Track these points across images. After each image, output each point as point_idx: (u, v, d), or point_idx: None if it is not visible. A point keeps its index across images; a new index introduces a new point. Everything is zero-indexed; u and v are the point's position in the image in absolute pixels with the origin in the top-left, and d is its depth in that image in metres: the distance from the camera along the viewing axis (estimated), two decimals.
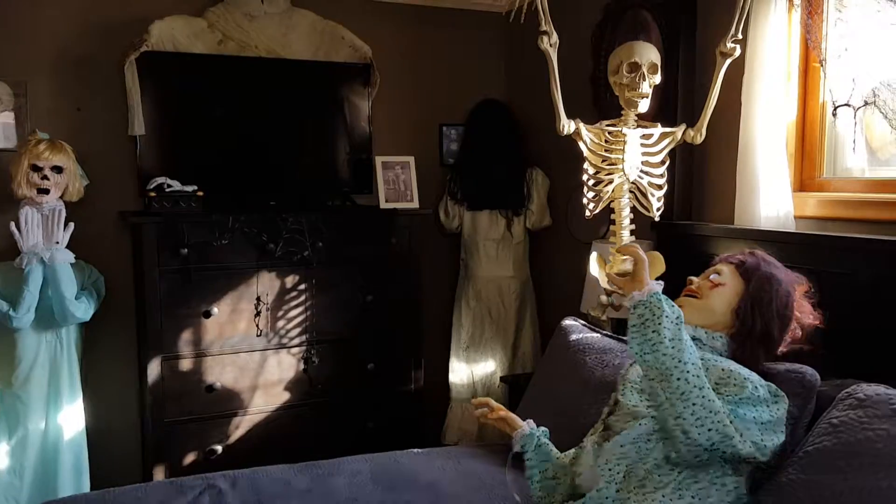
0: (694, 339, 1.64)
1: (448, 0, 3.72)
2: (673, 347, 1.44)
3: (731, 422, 1.46)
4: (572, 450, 1.76)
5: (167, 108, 3.05)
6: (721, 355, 1.66)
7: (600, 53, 3.14)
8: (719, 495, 1.49)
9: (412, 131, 3.68)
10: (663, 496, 1.47)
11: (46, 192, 2.68)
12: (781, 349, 1.73)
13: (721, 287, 1.69)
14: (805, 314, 1.76)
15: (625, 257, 1.82)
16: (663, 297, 1.49)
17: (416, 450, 2.28)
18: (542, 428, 1.83)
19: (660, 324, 1.44)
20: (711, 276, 1.73)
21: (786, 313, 1.68)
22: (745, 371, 1.57)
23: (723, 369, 1.56)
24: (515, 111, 3.65)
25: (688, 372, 1.44)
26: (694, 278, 1.77)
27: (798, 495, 1.49)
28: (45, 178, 2.67)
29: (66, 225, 2.70)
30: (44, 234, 2.67)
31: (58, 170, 2.71)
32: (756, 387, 1.53)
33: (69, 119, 3.10)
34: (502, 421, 1.83)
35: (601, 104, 3.09)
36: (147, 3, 3.12)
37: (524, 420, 1.83)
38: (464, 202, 3.56)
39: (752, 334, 1.65)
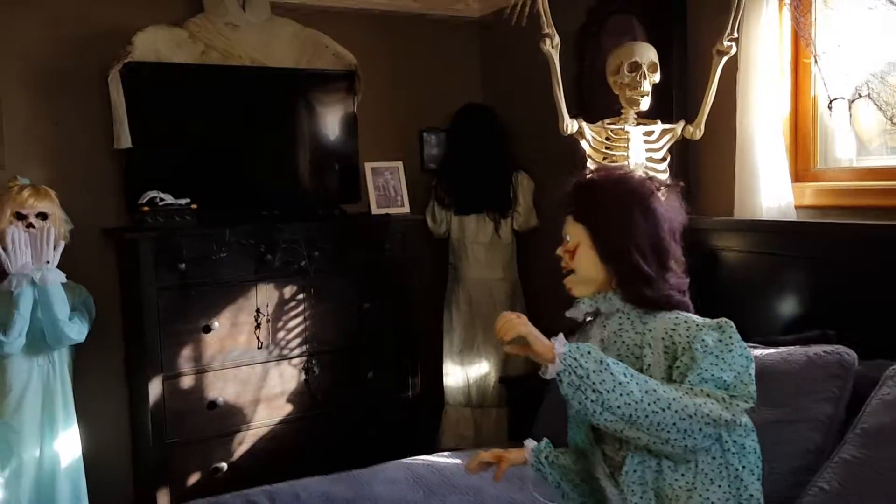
0: (601, 314, 1.57)
1: (423, 7, 3.73)
2: (620, 394, 1.34)
3: (708, 403, 1.35)
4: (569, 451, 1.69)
5: (152, 120, 2.95)
6: (628, 312, 1.54)
7: (584, 55, 3.19)
8: (738, 447, 1.43)
9: (393, 138, 3.67)
10: (700, 495, 1.42)
11: None
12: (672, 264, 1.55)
13: (578, 250, 1.56)
14: (665, 219, 1.56)
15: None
16: (574, 350, 1.38)
17: (445, 453, 2.27)
18: (543, 441, 1.71)
19: (592, 381, 1.35)
20: (567, 240, 1.60)
21: (632, 233, 1.52)
22: (680, 326, 1.46)
23: (662, 339, 1.46)
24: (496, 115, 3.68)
25: (646, 404, 1.34)
26: (560, 252, 1.62)
27: (861, 472, 1.54)
28: (30, 225, 2.58)
29: (55, 243, 2.59)
30: (33, 253, 2.56)
31: (43, 216, 2.62)
32: (702, 339, 1.42)
33: (47, 135, 2.98)
34: (506, 464, 1.66)
35: (585, 104, 3.14)
36: (124, 15, 3.02)
37: (525, 441, 1.71)
38: (451, 207, 3.57)
39: (626, 275, 1.52)
